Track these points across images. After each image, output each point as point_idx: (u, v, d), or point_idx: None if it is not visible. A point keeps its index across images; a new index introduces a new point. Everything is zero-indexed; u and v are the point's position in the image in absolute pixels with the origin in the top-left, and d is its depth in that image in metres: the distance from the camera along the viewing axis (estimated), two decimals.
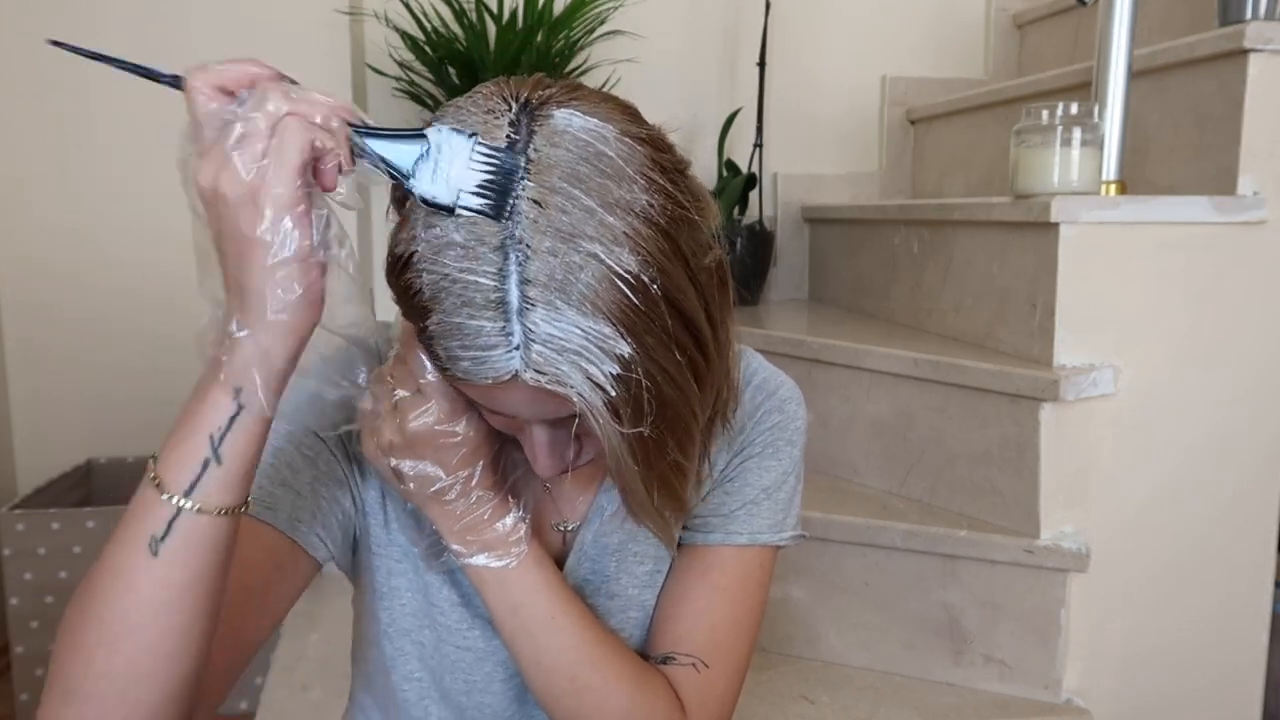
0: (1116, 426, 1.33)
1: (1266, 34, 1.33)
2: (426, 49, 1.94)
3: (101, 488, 2.07)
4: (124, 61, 0.51)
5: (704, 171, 2.23)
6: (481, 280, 0.50)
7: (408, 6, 1.94)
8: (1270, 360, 1.39)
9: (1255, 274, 1.37)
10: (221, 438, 0.51)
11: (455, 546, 0.64)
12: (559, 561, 0.73)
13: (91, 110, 2.03)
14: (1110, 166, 1.42)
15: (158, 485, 0.52)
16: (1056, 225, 1.31)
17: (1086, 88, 1.50)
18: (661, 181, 0.52)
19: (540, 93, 0.53)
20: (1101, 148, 1.39)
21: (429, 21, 1.94)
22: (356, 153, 0.51)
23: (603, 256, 0.50)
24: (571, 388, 0.51)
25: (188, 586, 0.52)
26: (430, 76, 1.97)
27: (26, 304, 2.07)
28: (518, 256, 0.49)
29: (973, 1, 2.41)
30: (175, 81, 0.52)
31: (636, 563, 0.74)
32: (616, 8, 2.02)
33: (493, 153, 0.50)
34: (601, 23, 2.02)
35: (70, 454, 2.07)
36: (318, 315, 0.51)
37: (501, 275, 0.50)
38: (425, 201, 0.51)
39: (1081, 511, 1.32)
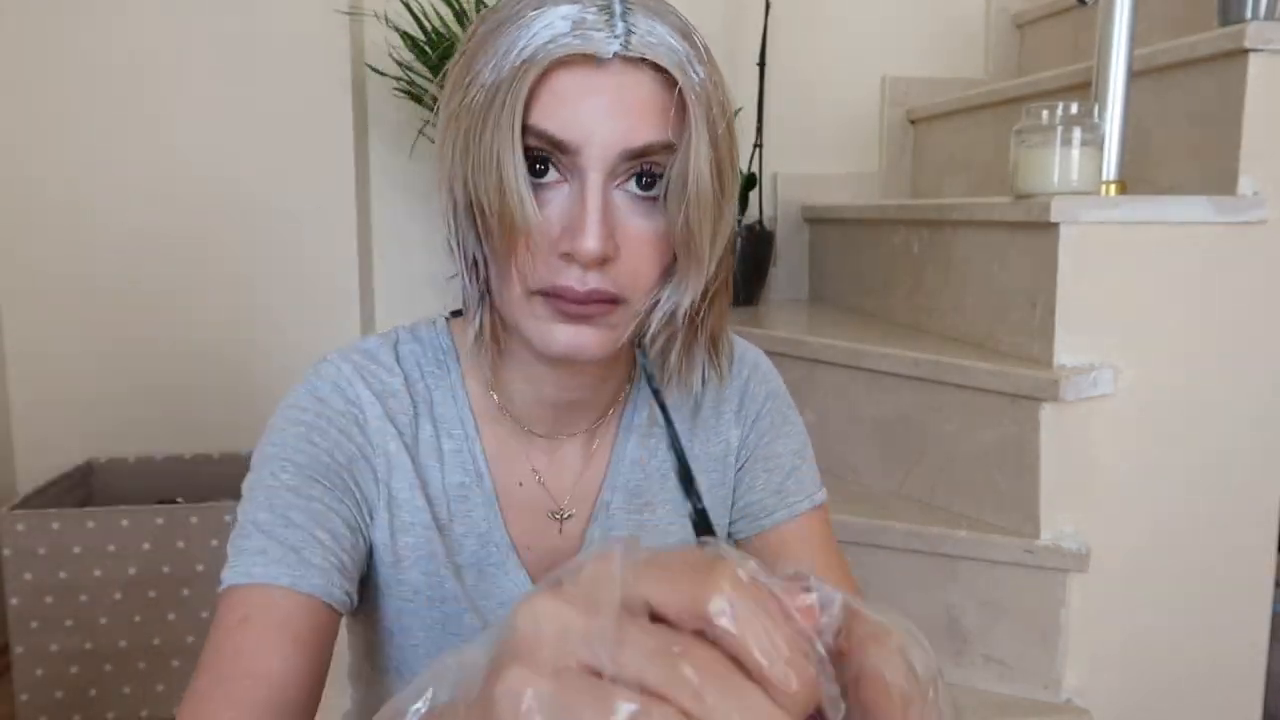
0: (1116, 426, 1.33)
1: (1266, 34, 1.33)
2: (426, 49, 1.95)
3: (101, 488, 2.07)
4: None
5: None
6: None
7: (408, 6, 1.94)
8: (1271, 360, 1.39)
9: (1255, 274, 1.37)
10: None
11: None
12: (559, 554, 0.72)
13: (91, 110, 2.03)
14: (1110, 166, 1.42)
15: None
16: (1056, 225, 1.31)
17: (1086, 88, 1.50)
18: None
19: None
20: (1101, 148, 1.39)
21: (429, 21, 1.94)
22: None
23: (684, 18, 0.60)
24: (665, 60, 0.56)
25: None
26: (430, 76, 1.97)
27: (26, 304, 2.07)
28: None
29: (973, 1, 2.41)
30: None
31: None
32: None
33: None
34: None
35: (70, 454, 2.06)
36: None
37: None
38: None
39: (1081, 511, 1.32)
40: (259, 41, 2.06)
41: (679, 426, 0.76)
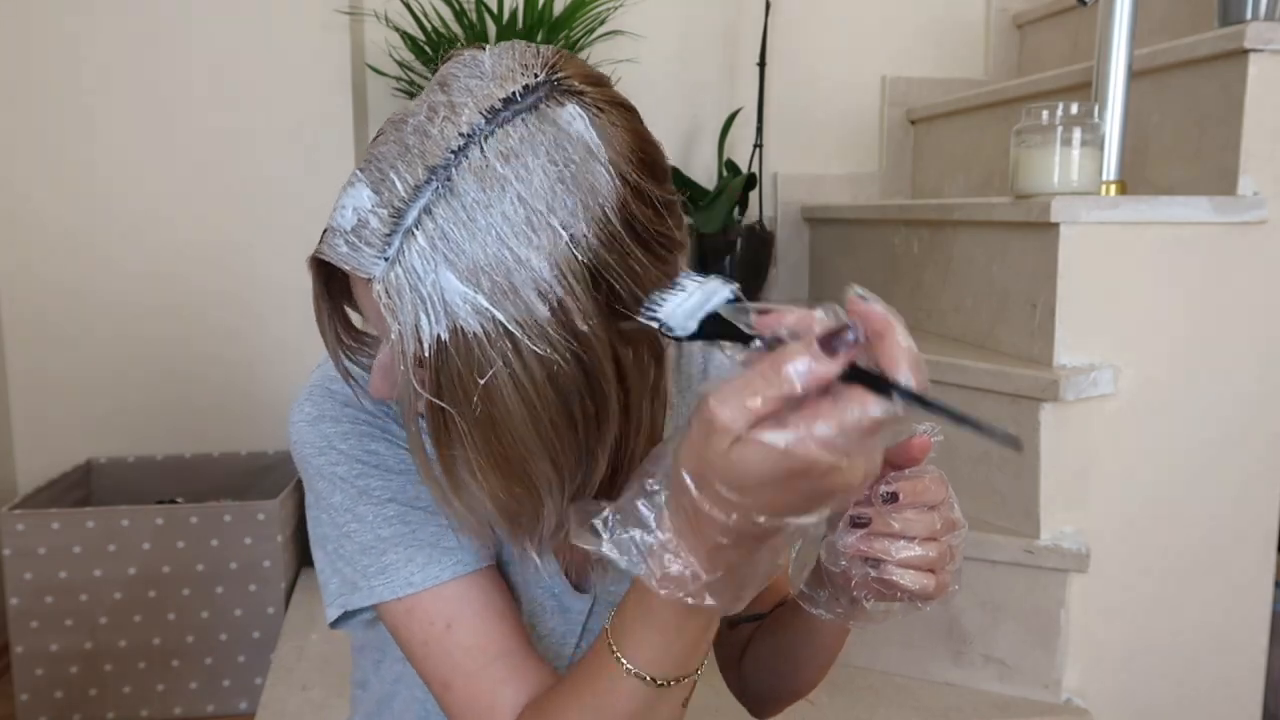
0: (1116, 426, 1.33)
1: (1266, 34, 1.33)
2: (426, 49, 1.95)
3: (101, 488, 2.07)
4: (959, 414, 0.44)
5: (704, 171, 2.23)
6: (398, 184, 0.51)
7: (408, 6, 1.94)
8: (1270, 360, 1.39)
9: (1255, 274, 1.37)
10: None
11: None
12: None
13: (90, 113, 2.03)
14: (1110, 166, 1.42)
15: None
16: (1056, 225, 1.30)
17: (1086, 88, 1.50)
18: (617, 226, 0.52)
19: (566, 72, 0.53)
20: (1101, 148, 1.39)
21: (429, 21, 1.94)
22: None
23: (509, 241, 0.50)
24: (397, 325, 0.51)
25: None
26: (430, 77, 1.97)
27: (27, 304, 2.07)
28: (438, 188, 0.50)
29: (973, 1, 2.41)
30: (1012, 441, 0.45)
31: None
32: (616, 8, 2.02)
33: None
34: (601, 23, 2.02)
35: (70, 454, 2.07)
36: None
37: (417, 192, 0.51)
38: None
39: (1081, 511, 1.32)
40: (259, 41, 2.06)
41: (680, 420, 0.73)
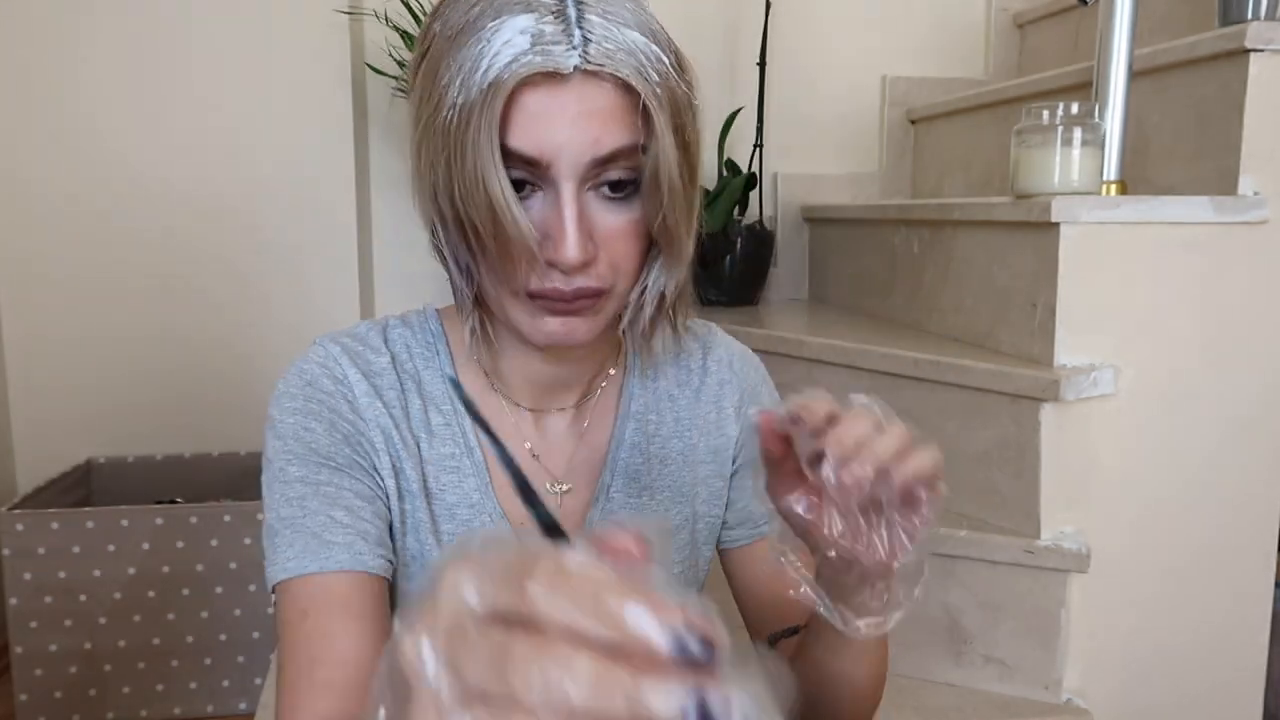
0: (1117, 426, 1.33)
1: (1267, 34, 1.32)
2: None
3: (101, 488, 2.07)
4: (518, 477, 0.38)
5: (704, 171, 2.23)
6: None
7: (408, 6, 1.94)
8: (1271, 360, 1.39)
9: (1255, 274, 1.37)
10: None
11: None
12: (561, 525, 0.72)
13: (91, 109, 2.03)
14: (1110, 166, 1.42)
15: None
16: (1057, 225, 1.30)
17: (1086, 88, 1.50)
18: (675, 56, 0.64)
19: None
20: (1102, 148, 1.39)
21: None
22: None
23: (641, 14, 0.60)
24: (624, 68, 0.57)
25: None
26: None
27: (26, 303, 2.07)
28: None
29: (973, 1, 2.41)
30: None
31: None
32: None
33: None
34: None
35: (70, 454, 2.06)
36: None
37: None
38: None
39: (1081, 512, 1.32)
40: (259, 41, 2.06)
41: (681, 412, 0.77)
